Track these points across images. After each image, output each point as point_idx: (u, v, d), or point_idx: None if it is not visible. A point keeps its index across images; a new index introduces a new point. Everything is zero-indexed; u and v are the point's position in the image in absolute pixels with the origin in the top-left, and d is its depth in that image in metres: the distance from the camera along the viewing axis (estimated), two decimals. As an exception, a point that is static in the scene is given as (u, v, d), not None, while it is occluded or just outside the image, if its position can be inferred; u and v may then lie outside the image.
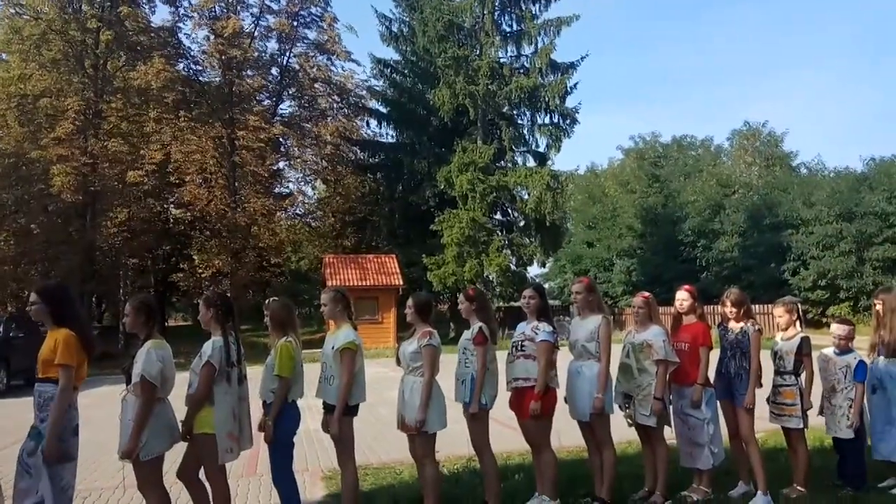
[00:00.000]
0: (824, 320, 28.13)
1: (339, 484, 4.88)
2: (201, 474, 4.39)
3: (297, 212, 35.09)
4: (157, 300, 31.93)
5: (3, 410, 4.52)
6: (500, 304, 29.45)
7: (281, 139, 31.83)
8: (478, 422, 4.86)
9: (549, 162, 31.12)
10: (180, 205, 29.67)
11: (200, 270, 27.37)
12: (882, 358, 5.29)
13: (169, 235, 32.70)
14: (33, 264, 24.53)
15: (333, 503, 5.19)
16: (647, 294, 5.45)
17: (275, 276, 34.05)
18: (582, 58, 30.35)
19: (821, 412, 5.43)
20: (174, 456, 4.44)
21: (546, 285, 46.88)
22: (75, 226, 25.47)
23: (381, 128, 34.38)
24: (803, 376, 5.19)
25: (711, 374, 5.28)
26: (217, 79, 30.00)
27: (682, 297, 5.38)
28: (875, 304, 5.47)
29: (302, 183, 36.28)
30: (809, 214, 30.67)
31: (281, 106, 34.38)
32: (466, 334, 4.99)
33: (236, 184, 28.23)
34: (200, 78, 30.57)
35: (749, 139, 45.00)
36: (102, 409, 4.26)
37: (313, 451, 7.19)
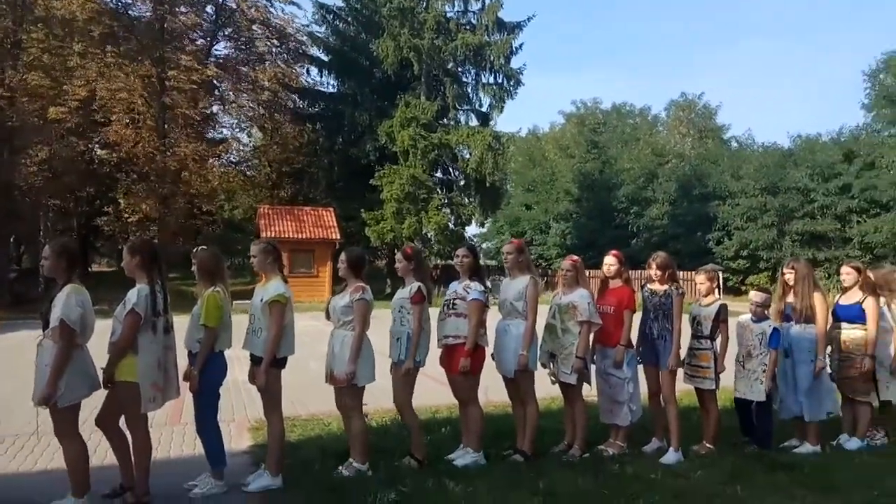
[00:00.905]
0: (743, 288, 29.67)
1: (265, 435, 4.88)
2: (121, 423, 4.31)
3: (232, 159, 34.02)
4: (80, 244, 30.64)
5: None
6: (438, 262, 29.60)
7: (215, 82, 30.49)
8: (405, 379, 4.93)
9: (492, 122, 31.10)
10: (106, 145, 28.20)
11: (126, 215, 26.32)
12: (793, 324, 5.61)
13: (93, 177, 31.12)
14: (-58, 201, 22.98)
15: (259, 453, 5.19)
16: (575, 258, 5.60)
17: (206, 224, 33.15)
18: (528, 18, 30.20)
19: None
20: (95, 402, 4.34)
21: (483, 245, 47.45)
22: (-10, 162, 23.89)
23: (321, 76, 33.43)
24: (719, 341, 5.48)
25: (634, 337, 5.51)
26: (147, 14, 28.27)
27: (610, 261, 5.56)
28: (785, 274, 5.78)
29: (237, 129, 35.03)
30: (736, 187, 31.94)
31: (216, 47, 32.83)
32: (402, 292, 5.02)
33: (166, 126, 27.00)
34: (129, 12, 28.71)
35: (685, 110, 46.16)
36: (20, 354, 4.10)
37: (240, 401, 7.15)
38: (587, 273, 5.82)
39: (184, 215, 28.19)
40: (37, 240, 28.26)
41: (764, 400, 5.46)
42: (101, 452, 5.12)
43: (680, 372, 5.49)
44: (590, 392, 5.52)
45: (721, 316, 5.45)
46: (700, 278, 5.69)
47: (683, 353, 5.49)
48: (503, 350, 5.15)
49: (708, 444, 5.43)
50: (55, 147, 25.52)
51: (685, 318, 5.41)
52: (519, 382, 5.17)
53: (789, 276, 5.70)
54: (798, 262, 5.81)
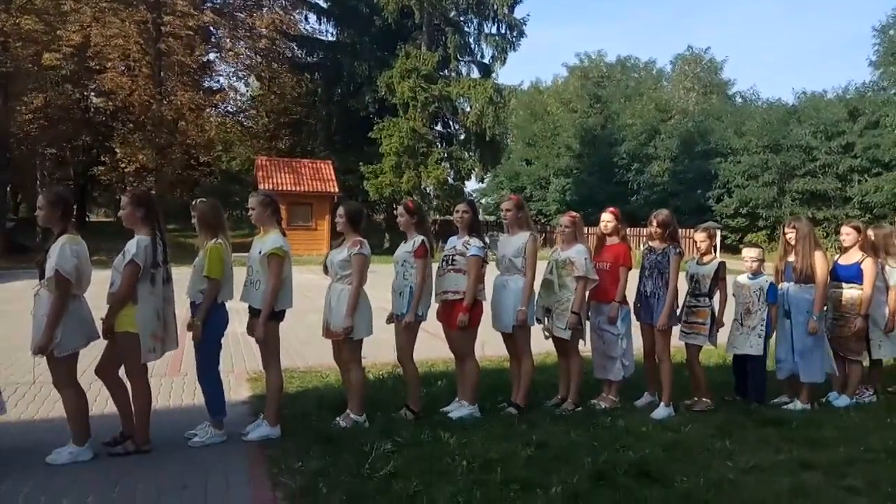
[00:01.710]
0: (741, 246, 29.63)
1: (264, 386, 4.95)
2: (121, 372, 4.36)
3: (229, 109, 33.61)
4: (76, 193, 30.44)
5: None
6: (437, 217, 29.55)
7: (211, 28, 29.91)
8: (408, 332, 4.97)
9: (494, 75, 30.65)
10: (101, 93, 27.82)
11: (123, 165, 26.11)
12: (792, 284, 5.62)
13: (89, 125, 30.83)
14: (-63, 148, 22.80)
15: (258, 404, 5.26)
16: (574, 214, 5.59)
17: (204, 175, 32.95)
18: (533, -34, 29.35)
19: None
20: (94, 353, 4.39)
21: (483, 200, 47.30)
22: (-16, 109, 23.59)
23: (320, 24, 32.84)
24: (716, 298, 5.50)
25: (630, 294, 5.53)
26: (142, -44, 27.50)
27: (607, 218, 5.54)
28: (786, 233, 5.75)
29: (234, 78, 34.51)
30: (739, 144, 31.67)
31: (213, -8, 32.07)
32: (404, 247, 5.02)
33: (162, 74, 26.58)
34: (123, -47, 27.93)
35: (690, 65, 45.37)
36: (18, 304, 4.12)
37: (240, 352, 7.22)
38: (586, 230, 5.81)
39: (181, 166, 28.01)
40: (33, 189, 28.20)
41: (761, 354, 5.51)
42: (101, 401, 5.20)
43: (677, 329, 5.54)
44: (584, 347, 5.57)
45: (720, 273, 5.46)
46: (699, 236, 5.69)
47: (679, 311, 5.53)
48: (501, 306, 5.18)
49: (705, 400, 5.46)
50: (50, 94, 25.20)
51: (680, 277, 5.43)
52: (516, 337, 5.22)
53: (790, 235, 5.68)
54: (799, 221, 5.77)
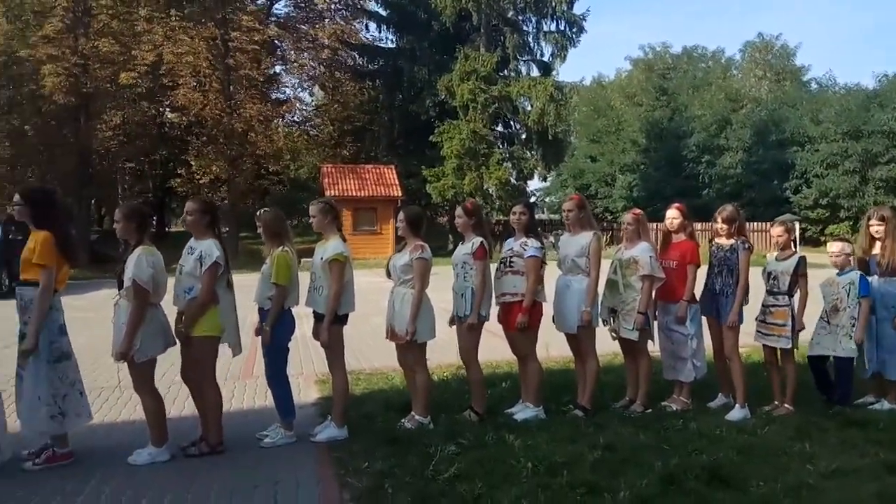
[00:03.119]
0: (822, 239, 28.30)
1: (331, 388, 5.04)
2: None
3: (295, 119, 34.49)
4: (155, 205, 31.91)
5: (4, 312, 4.64)
6: (500, 217, 29.46)
7: (276, 41, 30.82)
8: (471, 333, 4.97)
9: (554, 72, 30.37)
10: (175, 109, 29.07)
11: (198, 176, 27.19)
12: (875, 277, 5.31)
13: (165, 140, 32.27)
14: (29, 167, 24.36)
15: (326, 405, 5.37)
16: (637, 211, 5.46)
17: (273, 184, 33.90)
18: (592, -40, 28.92)
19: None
20: (173, 358, 4.57)
21: (546, 199, 46.85)
22: (70, 128, 25.11)
23: (380, 32, 33.31)
24: (796, 297, 5.23)
25: (698, 292, 5.35)
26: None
27: (672, 215, 5.38)
28: (871, 225, 5.38)
29: (299, 89, 35.42)
30: (816, 132, 30.22)
31: (276, 6, 33.13)
32: (463, 248, 5.03)
33: (231, 88, 27.54)
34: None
35: (761, 52, 43.63)
36: (102, 312, 4.37)
37: (308, 356, 7.39)
38: (654, 226, 5.64)
39: (252, 176, 28.94)
40: (115, 202, 29.71)
41: (854, 356, 5.19)
42: (178, 404, 5.43)
43: (751, 329, 5.31)
44: (653, 348, 5.43)
45: (799, 269, 5.15)
46: (776, 230, 5.37)
47: (756, 310, 5.30)
48: (564, 306, 5.11)
49: (788, 406, 5.18)
50: (128, 112, 26.52)
51: (756, 273, 5.21)
52: (580, 338, 5.14)
53: (878, 228, 5.31)
54: (887, 212, 5.40)
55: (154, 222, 33.62)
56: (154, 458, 4.35)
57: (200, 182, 27.31)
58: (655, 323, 5.39)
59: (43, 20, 23.07)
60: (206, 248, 4.33)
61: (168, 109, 31.06)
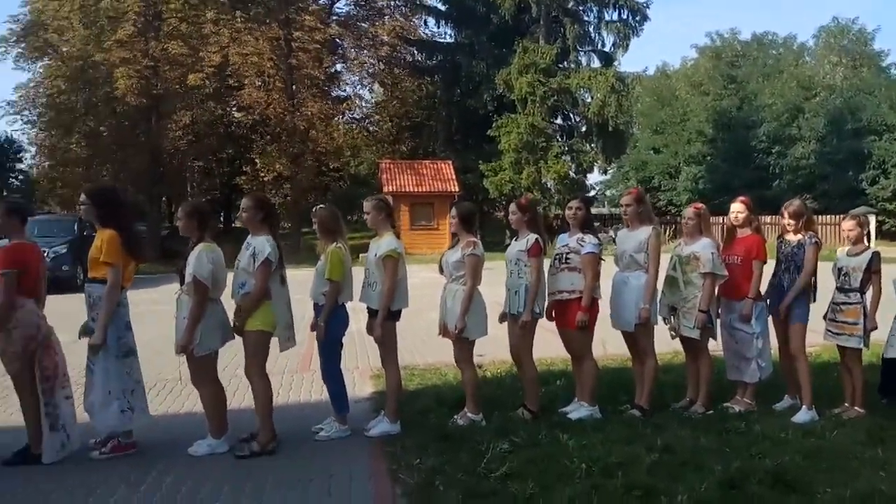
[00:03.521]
0: (902, 233, 26.79)
1: (385, 383, 5.08)
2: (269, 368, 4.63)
3: (355, 116, 34.94)
4: (222, 202, 32.93)
5: (76, 305, 4.85)
6: (558, 212, 29.10)
7: (337, 40, 31.28)
8: (524, 331, 4.90)
9: (616, 63, 29.77)
10: (241, 108, 29.92)
11: (263, 174, 27.92)
12: None
13: (231, 139, 33.25)
14: (104, 166, 25.55)
15: (380, 400, 5.41)
16: (699, 205, 5.27)
17: (334, 180, 34.46)
18: (654, -54, 28.14)
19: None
20: (233, 352, 4.68)
21: (607, 193, 45.98)
22: (142, 129, 26.21)
23: (438, 27, 33.35)
24: (869, 294, 4.95)
25: (764, 289, 5.13)
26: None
27: (737, 209, 5.17)
28: None
29: (359, 86, 35.84)
30: (895, 120, 28.55)
31: (337, 5, 33.59)
32: (517, 245, 4.96)
33: (294, 87, 28.14)
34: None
35: (836, 37, 41.51)
36: (171, 305, 4.53)
37: (364, 350, 7.46)
38: (719, 220, 5.44)
39: (313, 173, 29.51)
40: (185, 199, 30.80)
41: None
42: (238, 397, 5.57)
43: (820, 327, 5.06)
44: (715, 347, 5.23)
45: (873, 265, 4.86)
46: (847, 224, 5.07)
47: (824, 307, 5.04)
48: (622, 304, 4.98)
49: (857, 408, 4.91)
50: (196, 112, 27.46)
51: (825, 269, 4.95)
52: (638, 336, 5.00)
53: None
54: None
55: (221, 218, 34.79)
56: (213, 450, 4.47)
57: (264, 179, 28.03)
58: (718, 321, 5.19)
59: (116, 25, 24.12)
60: (259, 245, 4.41)
61: (234, 109, 32.00)
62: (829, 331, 5.03)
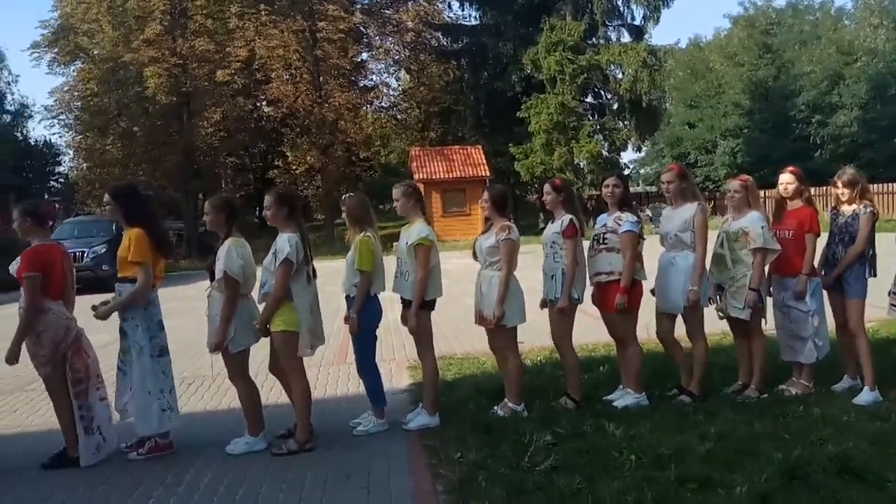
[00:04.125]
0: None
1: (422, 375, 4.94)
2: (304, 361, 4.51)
3: (382, 105, 34.80)
4: (256, 196, 33.21)
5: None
6: (592, 192, 28.60)
7: (362, 28, 31.13)
8: (563, 317, 4.71)
9: (647, 36, 29.10)
10: (270, 102, 30.06)
11: (294, 167, 28.02)
12: None
13: (262, 133, 33.44)
14: (139, 165, 25.91)
15: (418, 391, 5.29)
16: (745, 177, 4.99)
17: (364, 170, 34.41)
18: (683, -87, 27.26)
19: None
20: (268, 348, 4.59)
21: (641, 171, 45.12)
22: (174, 127, 26.49)
23: (463, 9, 32.90)
24: None
25: (818, 264, 4.84)
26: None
27: (787, 179, 4.87)
28: None
29: (385, 74, 35.70)
30: (945, 81, 27.31)
31: (360, -8, 33.36)
32: (552, 227, 4.76)
33: (321, 78, 28.11)
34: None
35: (877, -2, 39.71)
36: (205, 302, 4.48)
37: (399, 341, 7.34)
38: (762, 193, 5.14)
39: (343, 163, 29.50)
40: (228, 193, 31.12)
41: None
42: (275, 393, 5.49)
43: (883, 302, 4.76)
44: (766, 327, 4.96)
45: None
46: None
47: (887, 281, 4.72)
48: (668, 285, 4.74)
49: None
50: (226, 108, 27.64)
51: (887, 240, 4.63)
52: (687, 319, 4.76)
53: None
54: None
55: (256, 213, 35.09)
56: (251, 448, 4.39)
57: (296, 172, 28.14)
58: (769, 300, 4.92)
59: (144, 24, 24.34)
60: (280, 244, 4.28)
61: (263, 103, 32.17)
62: (894, 305, 4.72)
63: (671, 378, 5.05)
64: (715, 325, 5.23)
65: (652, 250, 4.92)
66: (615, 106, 29.98)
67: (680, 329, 4.90)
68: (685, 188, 4.79)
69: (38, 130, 78.02)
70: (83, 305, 4.48)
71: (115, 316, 4.35)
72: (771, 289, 4.92)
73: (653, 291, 4.88)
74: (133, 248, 4.20)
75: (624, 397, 4.77)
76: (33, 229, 4.26)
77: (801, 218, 4.76)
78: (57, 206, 31.29)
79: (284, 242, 4.25)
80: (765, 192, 7.79)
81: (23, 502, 3.83)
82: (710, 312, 4.89)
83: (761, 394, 4.79)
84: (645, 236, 4.75)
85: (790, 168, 5.00)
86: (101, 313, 4.26)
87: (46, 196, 32.72)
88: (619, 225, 4.63)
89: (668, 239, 4.79)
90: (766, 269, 4.79)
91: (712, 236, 4.75)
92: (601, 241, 4.71)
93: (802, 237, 4.72)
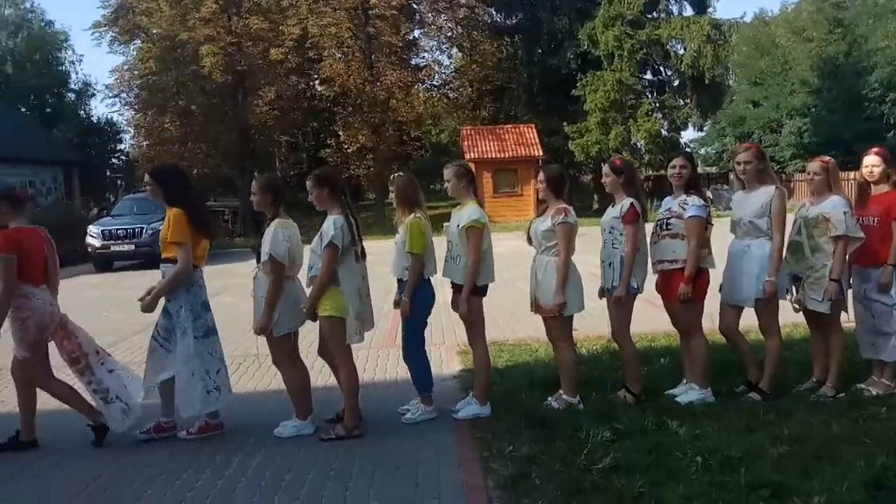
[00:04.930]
0: None
1: (472, 360, 4.77)
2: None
3: (434, 83, 34.42)
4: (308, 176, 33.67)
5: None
6: (650, 173, 27.75)
7: (414, 5, 30.72)
8: (622, 307, 4.46)
9: (710, 9, 27.74)
10: (323, 81, 30.08)
11: (346, 146, 28.04)
12: None
13: (315, 112, 33.55)
14: (197, 143, 26.36)
15: (468, 378, 5.14)
16: (826, 158, 4.58)
17: (415, 149, 34.23)
18: None
19: None
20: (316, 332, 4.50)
21: (701, 151, 43.66)
22: (229, 105, 26.79)
23: (517, -17, 32.05)
24: None
25: None
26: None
27: (873, 161, 4.46)
28: None
29: (437, 52, 35.23)
30: None
31: (412, -32, 32.89)
32: (612, 211, 4.49)
33: (372, 56, 27.94)
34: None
35: (964, -35, 37.05)
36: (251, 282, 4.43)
37: (450, 325, 7.17)
38: (840, 176, 4.73)
39: (394, 142, 29.37)
40: (273, 173, 31.50)
41: None
42: (325, 374, 5.41)
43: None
44: (847, 321, 4.59)
45: None
46: None
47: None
48: (741, 275, 4.40)
49: None
50: (280, 87, 27.78)
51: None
52: (760, 312, 4.43)
53: None
54: None
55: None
56: (299, 431, 4.33)
57: (348, 151, 28.16)
58: (850, 291, 4.55)
59: (199, 3, 24.59)
60: (325, 227, 4.14)
61: (316, 82, 32.23)
62: None
63: (739, 373, 4.75)
64: (784, 317, 4.88)
65: (720, 237, 4.61)
66: (676, 83, 28.88)
67: (744, 322, 4.59)
68: (762, 170, 4.43)
69: (99, 109, 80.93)
70: (118, 283, 4.46)
71: (133, 297, 4.33)
72: (851, 280, 4.55)
73: (720, 288, 4.57)
74: (172, 229, 4.16)
75: (688, 392, 4.50)
76: (9, 213, 4.20)
77: (888, 203, 4.38)
78: (119, 182, 32.19)
79: (330, 225, 4.12)
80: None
81: (71, 482, 3.83)
82: (782, 304, 4.56)
83: (838, 392, 4.45)
84: (713, 221, 4.43)
85: (875, 149, 4.58)
86: (146, 306, 4.23)
87: (108, 173, 33.79)
88: (685, 209, 4.32)
89: (740, 225, 4.45)
90: (847, 258, 4.42)
91: (788, 223, 4.40)
92: (665, 226, 4.41)
93: (888, 224, 4.34)
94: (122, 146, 37.94)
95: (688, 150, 32.32)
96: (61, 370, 4.50)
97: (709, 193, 21.19)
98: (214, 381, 4.33)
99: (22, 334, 4.14)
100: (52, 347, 4.34)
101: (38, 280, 4.22)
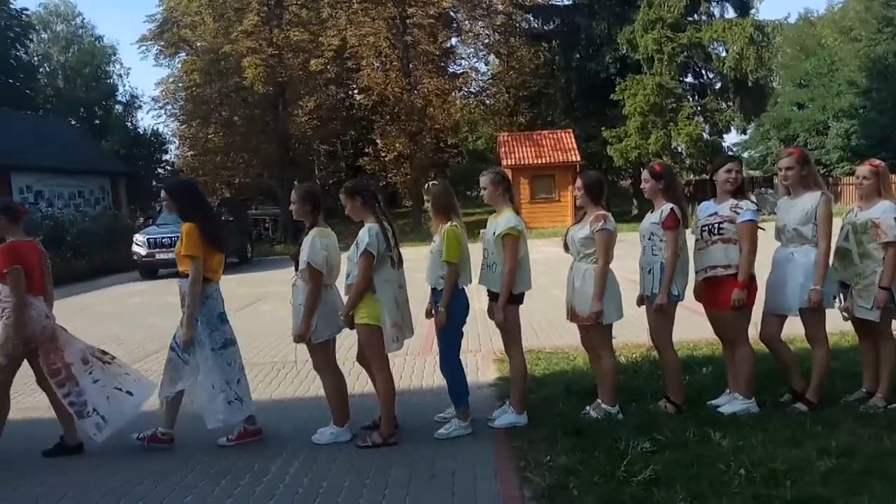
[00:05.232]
0: None
1: (509, 368, 4.73)
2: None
3: (471, 90, 34.47)
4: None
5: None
6: (692, 177, 27.23)
7: (451, 13, 30.85)
8: (663, 315, 4.37)
9: (753, 11, 27.21)
10: (361, 90, 30.42)
11: (384, 154, 28.28)
12: None
13: (353, 121, 33.95)
14: (238, 153, 26.93)
15: (504, 386, 5.11)
16: (876, 162, 4.42)
17: (452, 156, 34.31)
18: None
19: None
20: (355, 337, 4.51)
21: (745, 154, 42.75)
22: (270, 116, 27.32)
23: (555, -11, 31.94)
24: None
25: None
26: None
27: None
28: None
29: (474, 59, 35.30)
30: None
31: (450, -24, 33.04)
32: (651, 217, 4.42)
33: (410, 65, 28.15)
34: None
35: None
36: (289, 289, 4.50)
37: (486, 332, 7.15)
38: (892, 179, 4.56)
39: (431, 150, 29.50)
40: (313, 182, 31.95)
41: None
42: (363, 381, 5.45)
43: None
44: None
45: None
46: None
47: None
48: (785, 283, 4.28)
49: None
50: (320, 97, 28.22)
51: None
52: (806, 321, 4.30)
53: None
54: None
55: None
56: (336, 438, 4.36)
57: (386, 159, 28.39)
58: (901, 299, 4.38)
59: (242, 16, 25.19)
60: (361, 234, 4.18)
61: (355, 92, 32.62)
62: None
63: (784, 383, 4.61)
64: (832, 325, 4.72)
65: (764, 244, 4.49)
66: (718, 86, 28.35)
67: (790, 330, 4.46)
68: (806, 175, 4.30)
69: (146, 120, 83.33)
70: (162, 290, 4.57)
71: (177, 305, 4.41)
72: (902, 288, 4.38)
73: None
74: (185, 243, 4.23)
75: (732, 403, 4.38)
76: (7, 227, 4.29)
77: (941, 209, 4.20)
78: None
79: (365, 233, 4.15)
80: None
81: (118, 490, 3.91)
82: (830, 312, 4.41)
83: (889, 403, 4.28)
84: (762, 226, 4.32)
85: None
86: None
87: (154, 183, 34.72)
88: (738, 213, 4.22)
89: (785, 232, 4.33)
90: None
91: (835, 228, 4.26)
92: (716, 231, 4.30)
93: (943, 230, 4.16)
94: (167, 157, 39.03)
95: (736, 155, 31.66)
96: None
97: (752, 197, 20.74)
98: (235, 391, 4.39)
99: (14, 335, 4.20)
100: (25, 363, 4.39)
101: (36, 291, 4.31)
